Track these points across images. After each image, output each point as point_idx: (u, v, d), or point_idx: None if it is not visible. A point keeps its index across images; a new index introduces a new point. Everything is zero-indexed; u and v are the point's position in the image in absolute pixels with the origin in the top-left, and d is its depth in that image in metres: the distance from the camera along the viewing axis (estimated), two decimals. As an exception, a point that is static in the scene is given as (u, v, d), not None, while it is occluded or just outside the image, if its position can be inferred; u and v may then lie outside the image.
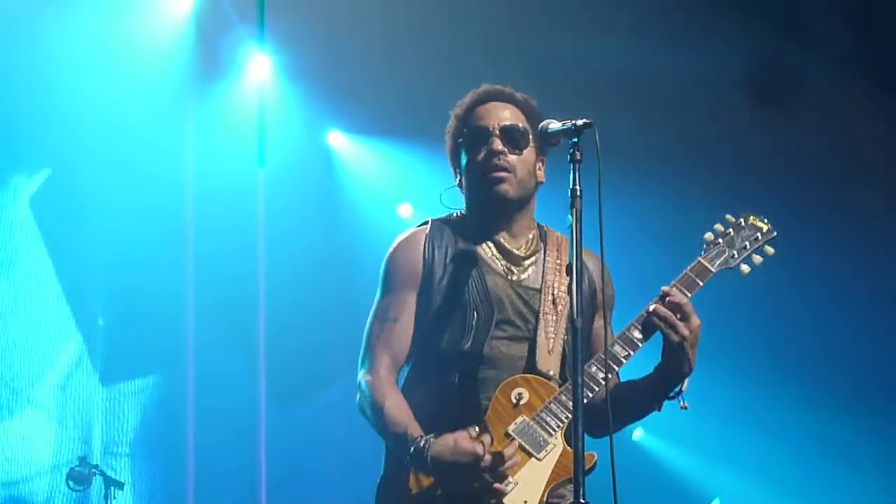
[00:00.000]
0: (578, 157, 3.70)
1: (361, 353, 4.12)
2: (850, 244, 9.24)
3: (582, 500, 3.47)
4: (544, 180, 4.27)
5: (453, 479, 3.83)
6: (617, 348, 3.99)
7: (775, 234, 4.22)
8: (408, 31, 8.79)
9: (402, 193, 9.69)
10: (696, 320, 3.97)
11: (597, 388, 3.94)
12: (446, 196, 4.31)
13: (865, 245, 9.24)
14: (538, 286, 4.16)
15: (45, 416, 8.38)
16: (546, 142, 3.92)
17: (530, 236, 4.24)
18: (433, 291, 4.09)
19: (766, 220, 4.23)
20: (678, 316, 3.96)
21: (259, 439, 9.14)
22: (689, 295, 4.01)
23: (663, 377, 4.03)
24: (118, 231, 8.57)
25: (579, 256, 3.62)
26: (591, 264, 4.17)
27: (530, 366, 4.06)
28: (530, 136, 4.19)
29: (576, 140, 3.72)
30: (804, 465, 9.63)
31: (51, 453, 8.27)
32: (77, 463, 7.84)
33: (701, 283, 4.06)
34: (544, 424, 3.94)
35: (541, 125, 3.93)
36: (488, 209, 4.19)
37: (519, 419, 3.95)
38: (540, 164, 4.26)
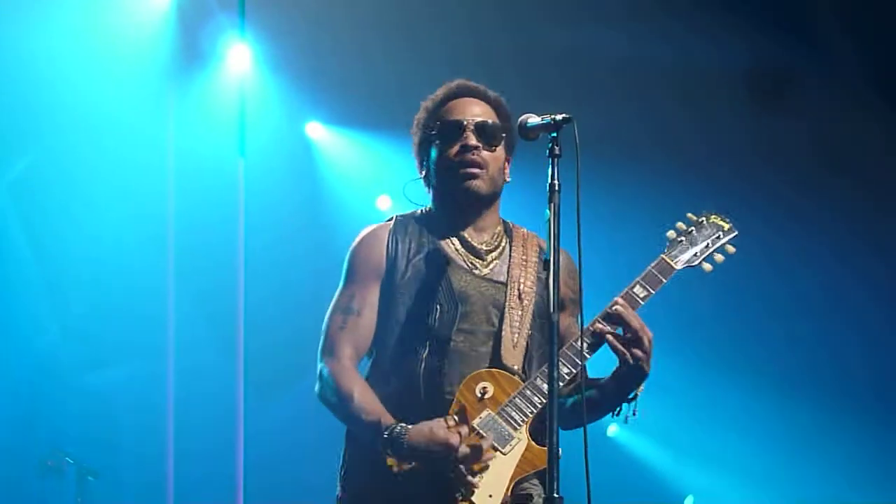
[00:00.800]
0: (557, 151, 3.69)
1: (321, 343, 4.12)
2: (835, 239, 9.26)
3: (556, 495, 3.47)
4: (510, 179, 4.29)
5: (426, 467, 3.85)
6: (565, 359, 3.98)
7: (737, 232, 4.24)
8: (389, 22, 8.79)
9: (381, 185, 9.68)
10: (646, 337, 3.98)
11: (561, 385, 3.95)
12: (409, 190, 4.32)
13: (853, 241, 9.26)
14: (503, 280, 4.16)
15: (18, 407, 8.35)
16: (525, 136, 3.91)
17: (496, 231, 4.25)
18: (396, 286, 4.10)
19: (727, 220, 4.26)
20: (627, 335, 3.97)
21: (237, 430, 9.13)
22: (653, 292, 4.04)
23: (618, 384, 4.04)
24: (97, 220, 8.54)
25: (557, 250, 3.62)
26: (562, 260, 4.14)
27: (495, 360, 4.06)
28: (502, 134, 4.21)
29: (555, 135, 3.71)
30: (778, 463, 9.66)
31: (24, 443, 8.23)
32: (50, 452, 7.82)
33: (664, 281, 4.08)
34: (509, 419, 3.95)
35: (520, 119, 3.92)
36: (457, 204, 4.20)
37: (484, 413, 3.96)
38: (507, 163, 4.27)
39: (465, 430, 3.88)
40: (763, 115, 9.09)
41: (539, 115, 3.86)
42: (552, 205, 3.64)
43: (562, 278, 4.06)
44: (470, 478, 3.85)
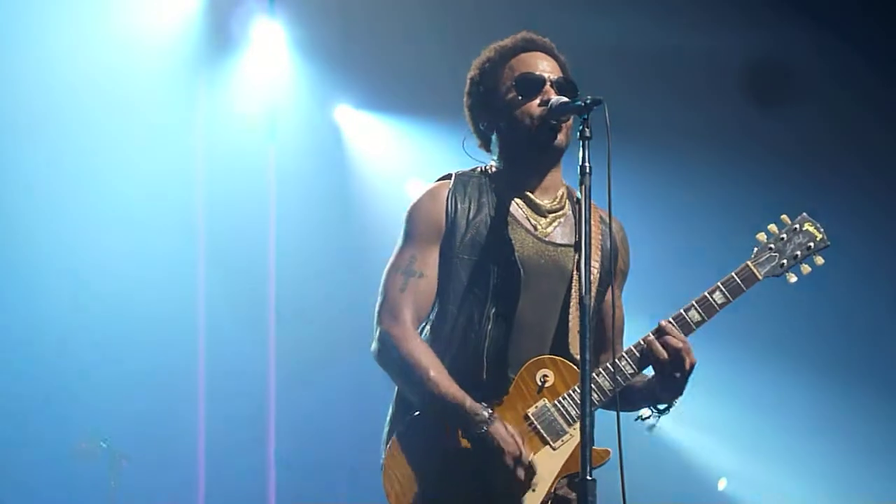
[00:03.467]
0: (588, 133, 3.64)
1: (380, 304, 4.00)
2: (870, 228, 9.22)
3: (589, 478, 3.44)
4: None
5: (487, 458, 3.81)
6: (623, 363, 3.95)
7: (829, 244, 4.10)
8: (418, 6, 8.76)
9: (411, 170, 9.66)
10: (689, 362, 3.93)
11: (623, 383, 3.92)
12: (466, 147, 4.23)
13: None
14: (567, 242, 4.06)
15: (52, 394, 8.39)
16: (555, 118, 3.92)
17: (559, 194, 4.13)
18: (456, 249, 3.99)
19: (821, 229, 4.10)
20: (670, 360, 3.91)
21: (269, 416, 9.15)
22: (732, 300, 3.97)
23: (653, 396, 4.02)
24: (129, 207, 8.56)
25: (587, 234, 3.58)
26: (617, 230, 4.11)
27: (560, 343, 3.98)
28: (576, 93, 4.07)
29: (586, 117, 3.66)
30: (811, 447, 9.63)
31: (57, 430, 8.26)
32: (83, 438, 7.85)
33: (745, 290, 4.00)
34: (564, 413, 3.91)
35: (550, 101, 3.93)
36: (532, 158, 4.09)
37: (540, 403, 3.91)
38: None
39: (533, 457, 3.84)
40: (784, 104, 9.03)
41: (563, 67, 3.84)
42: (583, 187, 3.60)
43: (619, 249, 4.06)
44: (521, 486, 3.82)
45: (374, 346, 3.99)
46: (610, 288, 4.07)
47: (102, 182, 8.53)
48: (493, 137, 4.17)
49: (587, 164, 3.62)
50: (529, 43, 4.17)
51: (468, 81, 4.23)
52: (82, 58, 8.34)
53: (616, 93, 3.76)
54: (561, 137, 4.02)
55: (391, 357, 3.93)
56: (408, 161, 9.59)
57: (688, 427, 10.24)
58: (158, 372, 8.70)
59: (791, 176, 8.72)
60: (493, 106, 4.13)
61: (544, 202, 4.09)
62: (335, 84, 9.43)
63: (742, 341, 9.35)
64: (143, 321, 8.60)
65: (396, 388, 4.04)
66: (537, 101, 4.03)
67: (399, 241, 4.06)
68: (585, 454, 3.46)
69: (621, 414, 3.80)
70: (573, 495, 3.93)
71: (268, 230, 9.24)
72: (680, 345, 3.89)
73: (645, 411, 4.07)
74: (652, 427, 4.05)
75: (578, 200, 4.01)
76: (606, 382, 3.91)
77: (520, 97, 4.06)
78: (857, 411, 9.39)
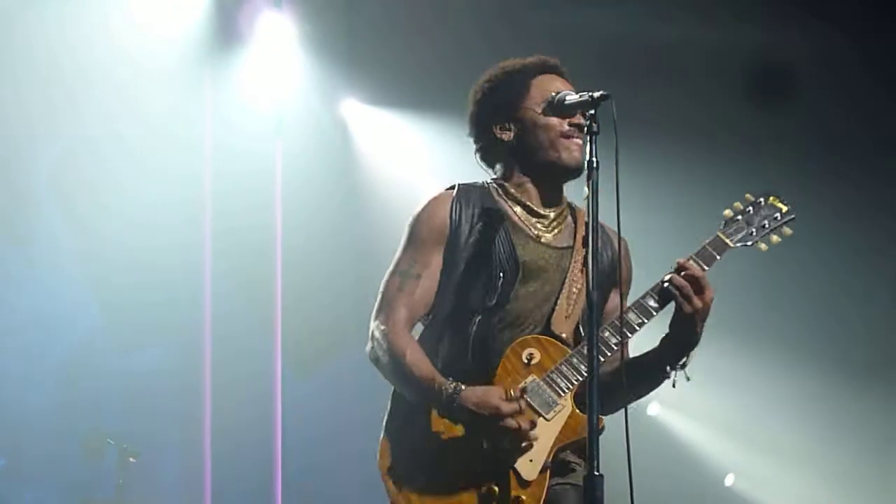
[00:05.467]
0: (595, 128, 3.68)
1: (377, 305, 4.11)
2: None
3: (597, 473, 3.48)
4: None
5: (475, 428, 3.87)
6: (631, 315, 3.99)
7: (794, 216, 4.21)
8: (424, 3, 8.77)
9: (419, 165, 9.66)
10: (710, 292, 3.99)
11: (608, 354, 3.96)
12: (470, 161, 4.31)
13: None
14: (568, 245, 4.16)
15: (58, 387, 8.40)
16: (562, 113, 3.97)
17: (561, 207, 4.24)
18: (459, 252, 4.09)
19: (785, 202, 4.22)
20: (694, 288, 3.97)
21: (275, 410, 9.16)
22: (707, 268, 4.03)
23: (671, 345, 4.03)
24: (135, 199, 8.56)
25: (595, 229, 3.63)
26: (614, 241, 4.17)
27: (545, 327, 4.07)
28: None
29: (593, 112, 3.71)
30: (817, 443, 9.63)
31: (64, 424, 8.27)
32: (90, 432, 7.86)
33: (718, 257, 4.06)
34: (554, 385, 3.95)
35: (557, 96, 3.98)
36: (549, 174, 4.18)
37: (529, 379, 3.96)
38: None
39: (520, 404, 3.88)
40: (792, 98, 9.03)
41: (577, 93, 3.86)
42: (590, 182, 3.64)
43: (617, 261, 4.13)
44: (522, 442, 3.87)
45: (367, 347, 4.11)
46: (608, 292, 4.17)
47: (109, 178, 8.53)
48: (505, 147, 4.23)
49: (594, 158, 3.65)
50: (553, 67, 4.25)
51: (482, 90, 4.29)
52: (89, 52, 8.33)
53: (615, 88, 3.76)
54: (579, 157, 4.10)
55: (379, 352, 4.04)
56: (415, 156, 9.60)
57: (696, 422, 10.26)
58: (165, 368, 8.70)
59: (792, 173, 8.74)
60: (515, 117, 4.20)
61: (546, 212, 4.20)
62: (342, 79, 9.44)
63: (755, 337, 9.37)
64: (149, 316, 8.61)
65: (391, 392, 4.12)
66: (562, 122, 4.11)
67: (401, 245, 4.17)
68: (593, 448, 3.49)
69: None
70: (573, 458, 4.02)
71: (274, 225, 9.24)
72: (700, 273, 3.99)
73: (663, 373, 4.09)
74: (674, 383, 4.07)
75: (577, 209, 4.21)
76: (613, 338, 3.97)
77: (548, 114, 4.13)
78: (870, 409, 9.39)
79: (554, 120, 4.12)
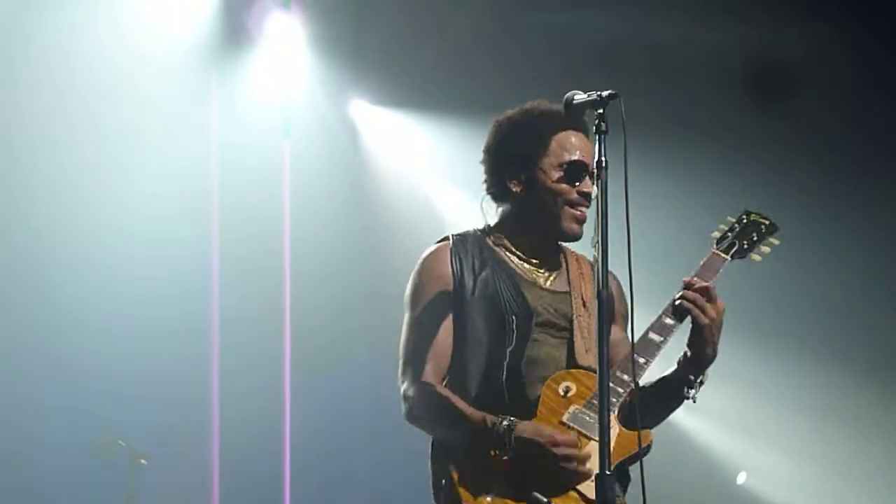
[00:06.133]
0: (604, 128, 3.70)
1: (400, 368, 4.14)
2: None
3: (607, 471, 3.50)
4: None
5: (532, 461, 3.89)
6: (652, 335, 4.05)
7: (779, 227, 4.32)
8: (432, 4, 8.77)
9: (427, 166, 9.65)
10: (720, 303, 4.07)
11: (640, 373, 4.01)
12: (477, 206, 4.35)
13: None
14: (566, 290, 4.24)
15: (65, 390, 8.39)
16: (571, 113, 3.95)
17: (555, 255, 4.33)
18: (467, 304, 4.13)
19: (766, 217, 4.33)
20: (705, 299, 4.05)
21: (284, 412, 9.15)
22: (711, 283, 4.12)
23: (690, 363, 4.09)
24: (142, 202, 8.56)
25: (605, 228, 3.63)
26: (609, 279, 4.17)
27: (571, 364, 4.13)
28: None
29: (601, 111, 3.72)
30: (831, 441, 9.61)
31: (75, 427, 8.26)
32: (100, 435, 7.86)
33: (720, 270, 4.17)
34: (597, 409, 3.93)
35: (566, 96, 3.96)
36: (548, 234, 4.26)
37: (571, 408, 4.01)
38: None
39: (571, 436, 3.93)
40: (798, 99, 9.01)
41: (585, 92, 3.86)
42: (599, 181, 3.65)
43: (615, 296, 4.21)
44: (583, 468, 3.91)
45: (402, 409, 4.12)
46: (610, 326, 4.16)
47: (116, 179, 8.53)
48: (513, 197, 4.29)
49: (603, 158, 3.67)
50: (574, 121, 4.25)
51: (503, 130, 4.32)
52: (97, 52, 8.34)
53: (614, 88, 3.77)
54: (581, 228, 4.21)
55: (419, 409, 4.07)
56: (423, 157, 9.60)
57: (708, 421, 10.23)
58: (174, 368, 8.69)
59: (792, 173, 8.72)
60: (528, 174, 4.25)
61: (540, 259, 4.28)
62: (350, 80, 9.44)
63: (768, 336, 9.35)
64: (157, 318, 8.60)
65: (430, 443, 4.12)
66: (574, 188, 4.19)
67: (408, 308, 4.20)
68: (604, 450, 3.50)
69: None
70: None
71: (282, 226, 9.24)
72: (708, 284, 4.08)
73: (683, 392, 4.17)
74: (694, 399, 4.19)
75: (568, 251, 4.33)
76: (640, 358, 4.02)
77: (561, 178, 4.19)
78: (886, 407, 9.37)
79: (564, 186, 4.19)
